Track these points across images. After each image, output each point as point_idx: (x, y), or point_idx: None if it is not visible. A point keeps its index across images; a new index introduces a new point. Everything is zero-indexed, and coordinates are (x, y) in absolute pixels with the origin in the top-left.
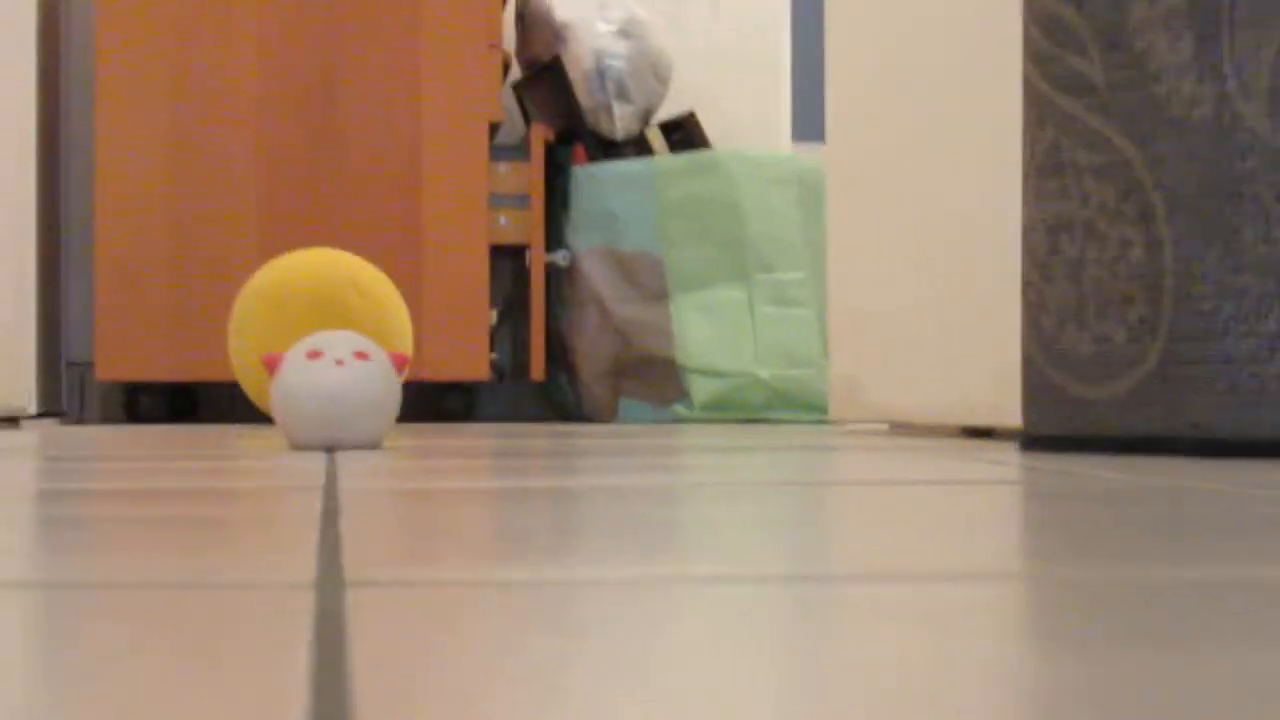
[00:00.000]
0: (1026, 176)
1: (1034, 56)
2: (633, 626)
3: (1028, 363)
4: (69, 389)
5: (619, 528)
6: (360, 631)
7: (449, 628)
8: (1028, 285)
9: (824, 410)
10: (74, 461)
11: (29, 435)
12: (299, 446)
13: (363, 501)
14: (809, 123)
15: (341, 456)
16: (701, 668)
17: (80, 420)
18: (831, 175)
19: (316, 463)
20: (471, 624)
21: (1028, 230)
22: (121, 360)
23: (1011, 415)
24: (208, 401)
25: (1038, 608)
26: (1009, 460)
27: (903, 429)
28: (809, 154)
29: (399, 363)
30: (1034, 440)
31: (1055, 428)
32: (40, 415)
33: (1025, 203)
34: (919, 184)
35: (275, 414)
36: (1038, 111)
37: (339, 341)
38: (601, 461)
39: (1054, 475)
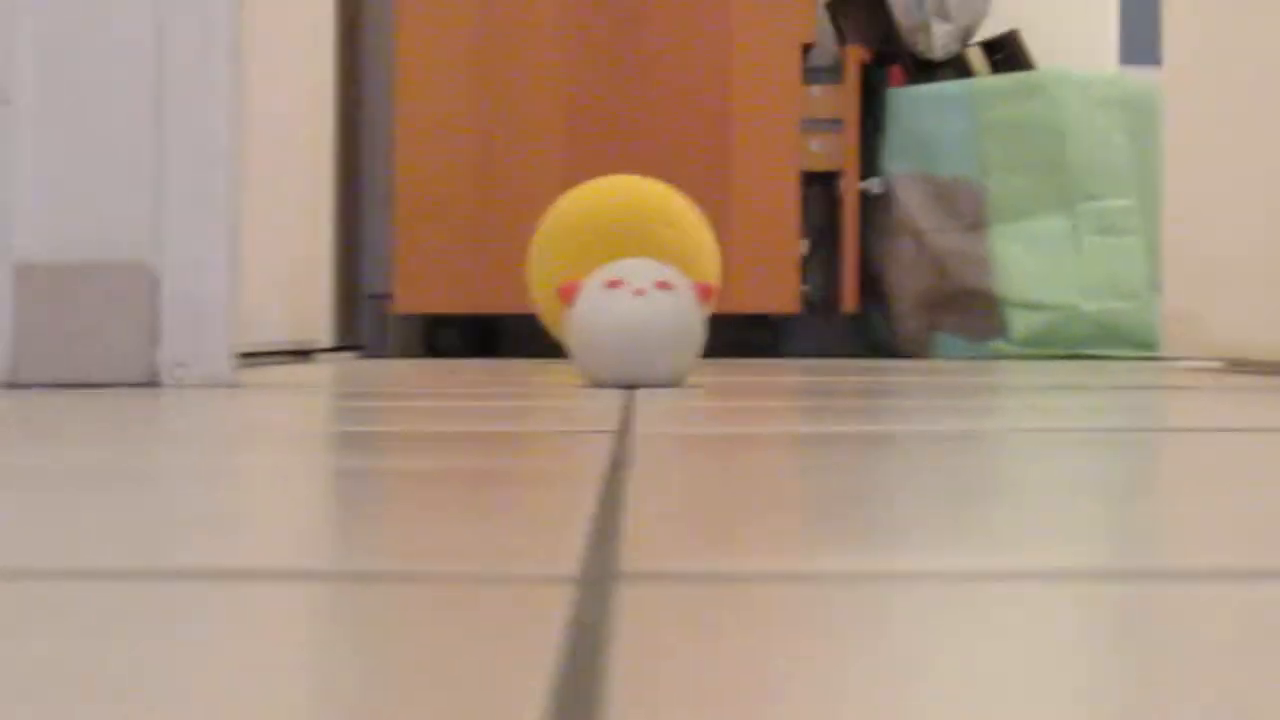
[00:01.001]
0: None
1: None
2: (948, 640)
3: None
4: (369, 322)
5: (936, 493)
6: (626, 644)
7: (737, 637)
8: None
9: (1150, 346)
10: (356, 399)
11: (321, 370)
12: (595, 383)
13: (656, 454)
14: (1137, 44)
15: (640, 395)
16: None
17: (379, 354)
18: (1170, 99)
19: (613, 402)
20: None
21: None
22: (420, 293)
23: None
24: (510, 335)
25: None
26: None
27: (1241, 367)
28: (1137, 76)
29: (704, 294)
30: None
31: None
32: (340, 349)
33: None
34: (1268, 106)
35: (571, 348)
36: None
37: (641, 270)
38: (918, 403)
39: None
